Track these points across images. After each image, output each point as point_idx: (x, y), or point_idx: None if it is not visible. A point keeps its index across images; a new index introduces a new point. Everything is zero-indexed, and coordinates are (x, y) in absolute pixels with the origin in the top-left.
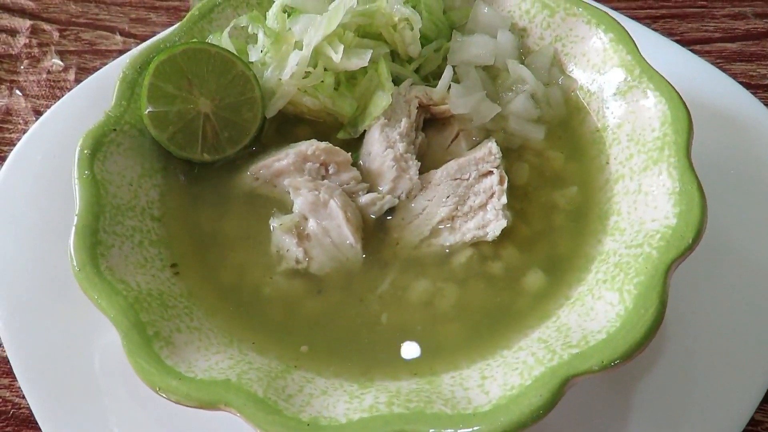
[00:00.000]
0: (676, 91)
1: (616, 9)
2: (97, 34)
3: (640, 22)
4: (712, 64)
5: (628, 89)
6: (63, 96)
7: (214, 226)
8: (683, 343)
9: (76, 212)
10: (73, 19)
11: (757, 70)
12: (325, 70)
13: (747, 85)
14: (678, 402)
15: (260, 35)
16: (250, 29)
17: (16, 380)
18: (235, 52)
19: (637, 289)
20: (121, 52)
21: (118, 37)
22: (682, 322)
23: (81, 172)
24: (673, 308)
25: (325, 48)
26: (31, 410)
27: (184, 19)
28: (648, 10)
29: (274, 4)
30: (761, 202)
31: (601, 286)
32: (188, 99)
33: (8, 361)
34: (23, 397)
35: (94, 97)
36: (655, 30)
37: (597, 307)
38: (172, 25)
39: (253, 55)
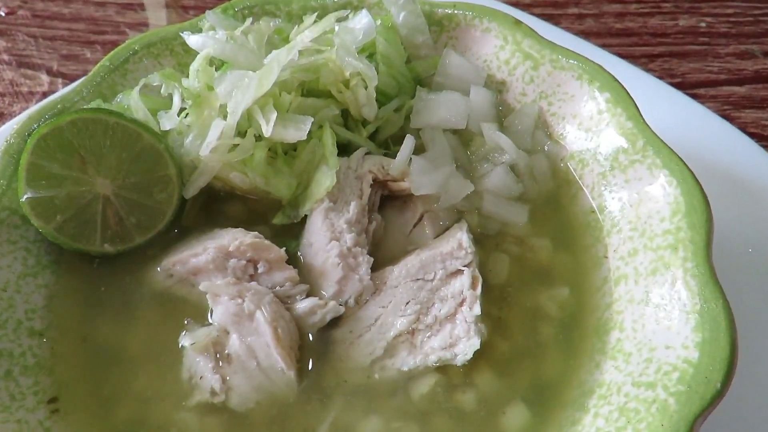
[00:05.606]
0: (690, 171)
1: (608, 46)
2: (21, 73)
3: (636, 62)
4: (719, 112)
5: (629, 164)
6: None
7: (113, 340)
8: None
9: None
10: None
11: None
12: (258, 140)
13: (759, 137)
14: None
15: (176, 97)
16: (163, 90)
17: None
18: (143, 118)
19: None
20: (45, 95)
21: (44, 77)
22: None
23: None
24: None
25: (256, 113)
26: None
27: (91, 72)
28: (644, 48)
29: (198, 56)
30: None
31: None
32: (81, 180)
33: None
34: None
35: None
36: (652, 71)
37: None
38: None
39: (167, 123)
